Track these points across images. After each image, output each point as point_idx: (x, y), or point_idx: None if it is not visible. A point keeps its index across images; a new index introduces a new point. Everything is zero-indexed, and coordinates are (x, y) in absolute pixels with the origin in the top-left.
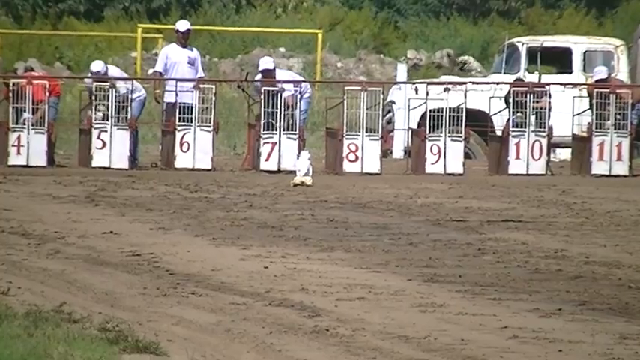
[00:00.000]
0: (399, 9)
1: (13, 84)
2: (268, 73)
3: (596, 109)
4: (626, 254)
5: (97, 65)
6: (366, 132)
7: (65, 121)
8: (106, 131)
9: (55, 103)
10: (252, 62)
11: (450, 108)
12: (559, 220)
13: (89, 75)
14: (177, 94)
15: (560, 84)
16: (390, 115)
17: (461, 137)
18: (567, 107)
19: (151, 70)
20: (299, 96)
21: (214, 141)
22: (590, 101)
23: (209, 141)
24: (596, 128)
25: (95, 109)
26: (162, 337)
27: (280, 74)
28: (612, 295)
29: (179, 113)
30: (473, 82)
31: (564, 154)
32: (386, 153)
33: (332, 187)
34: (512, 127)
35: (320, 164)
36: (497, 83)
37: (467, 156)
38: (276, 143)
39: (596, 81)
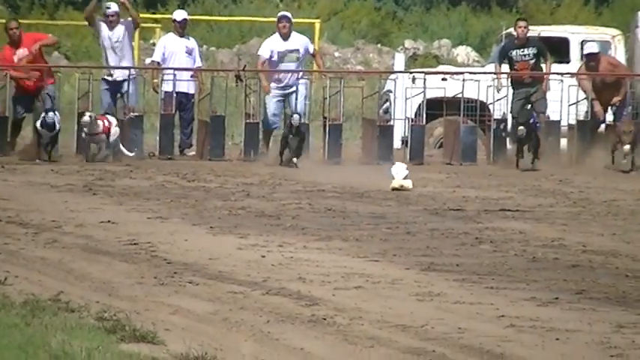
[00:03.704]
0: (398, 0)
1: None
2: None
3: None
4: (624, 243)
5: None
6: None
7: (63, 110)
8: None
9: (52, 92)
10: (250, 52)
11: (447, 98)
12: (556, 210)
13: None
14: (175, 84)
15: (558, 73)
16: (388, 104)
17: None
18: (565, 96)
19: (148, 60)
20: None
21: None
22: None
23: None
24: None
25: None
26: (159, 326)
27: (296, 38)
28: (610, 284)
29: (177, 103)
30: (470, 72)
31: (562, 143)
32: None
33: (329, 176)
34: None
35: (318, 153)
36: (495, 73)
37: None
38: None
39: (587, 55)
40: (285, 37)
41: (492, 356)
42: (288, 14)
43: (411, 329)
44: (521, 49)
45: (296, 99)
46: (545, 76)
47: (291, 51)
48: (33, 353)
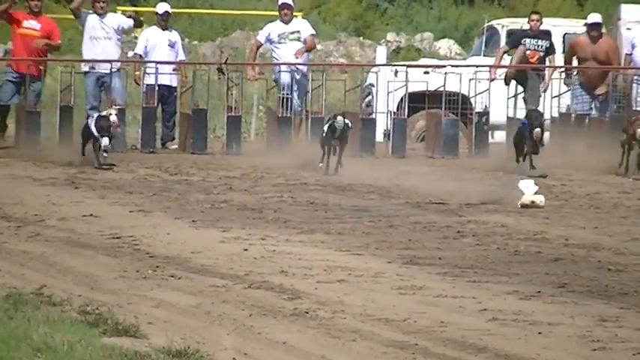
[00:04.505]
0: None
1: None
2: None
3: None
4: (606, 237)
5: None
6: None
7: (45, 103)
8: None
9: (38, 89)
10: (232, 45)
11: (429, 91)
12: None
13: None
14: (157, 77)
15: (540, 66)
16: (370, 97)
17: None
18: (548, 89)
19: (130, 53)
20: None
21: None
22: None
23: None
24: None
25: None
26: (142, 319)
27: (297, 21)
28: (592, 277)
29: (159, 95)
30: (452, 65)
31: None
32: None
33: (312, 169)
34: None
35: (301, 146)
36: (477, 66)
37: None
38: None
39: (591, 24)
40: (287, 22)
41: (475, 349)
42: (289, 1)
43: (394, 323)
44: (535, 39)
45: (296, 91)
46: (548, 73)
47: (292, 32)
48: (15, 346)
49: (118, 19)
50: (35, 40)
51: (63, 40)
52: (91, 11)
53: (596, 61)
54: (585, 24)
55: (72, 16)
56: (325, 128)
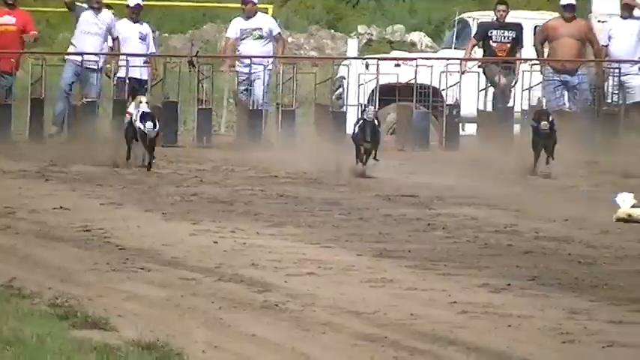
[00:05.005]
0: None
1: None
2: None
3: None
4: (577, 230)
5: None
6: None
7: (16, 95)
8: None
9: (10, 83)
10: (203, 38)
11: (400, 83)
12: (510, 195)
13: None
14: (127, 70)
15: (512, 59)
16: (341, 90)
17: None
18: (519, 82)
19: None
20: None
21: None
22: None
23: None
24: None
25: None
26: (111, 312)
27: (260, 17)
28: (562, 270)
29: (130, 88)
30: (423, 58)
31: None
32: None
33: (283, 162)
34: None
35: (272, 140)
36: (448, 59)
37: None
38: None
39: (565, 5)
40: (249, 17)
41: (445, 342)
42: None
43: (364, 315)
44: (502, 30)
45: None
46: (518, 65)
47: (254, 29)
48: None
49: (109, 17)
50: (28, 36)
51: None
52: (86, 6)
53: (573, 38)
54: (559, 5)
55: (44, 8)
56: (356, 129)
